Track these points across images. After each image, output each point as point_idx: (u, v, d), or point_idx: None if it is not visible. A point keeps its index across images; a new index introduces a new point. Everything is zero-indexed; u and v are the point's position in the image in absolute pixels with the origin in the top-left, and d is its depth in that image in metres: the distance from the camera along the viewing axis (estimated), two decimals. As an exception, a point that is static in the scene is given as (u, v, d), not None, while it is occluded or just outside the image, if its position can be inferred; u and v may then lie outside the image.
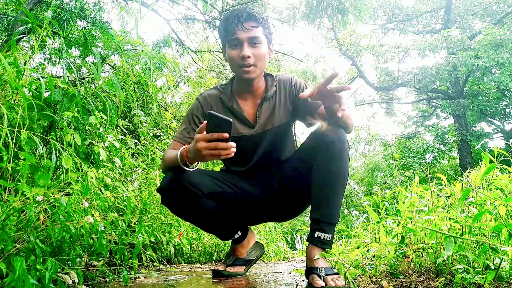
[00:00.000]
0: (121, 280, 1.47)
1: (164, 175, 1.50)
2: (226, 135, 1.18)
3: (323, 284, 1.24)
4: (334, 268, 1.32)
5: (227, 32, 1.49)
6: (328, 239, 1.37)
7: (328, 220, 1.38)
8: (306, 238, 1.47)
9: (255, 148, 1.61)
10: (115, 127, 2.47)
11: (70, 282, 1.19)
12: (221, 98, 1.61)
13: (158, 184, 1.51)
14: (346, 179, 1.42)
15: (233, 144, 1.21)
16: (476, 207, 1.35)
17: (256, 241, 1.87)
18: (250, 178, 1.65)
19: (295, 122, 1.70)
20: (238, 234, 1.74)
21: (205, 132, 1.21)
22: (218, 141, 1.19)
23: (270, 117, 1.59)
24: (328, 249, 1.37)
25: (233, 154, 1.22)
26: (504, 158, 1.45)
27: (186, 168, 1.36)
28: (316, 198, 1.41)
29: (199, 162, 1.39)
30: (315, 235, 1.38)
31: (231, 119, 1.18)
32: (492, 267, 1.07)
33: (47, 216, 1.33)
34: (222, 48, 1.60)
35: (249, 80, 1.53)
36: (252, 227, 2.01)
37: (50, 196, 1.37)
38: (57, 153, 1.64)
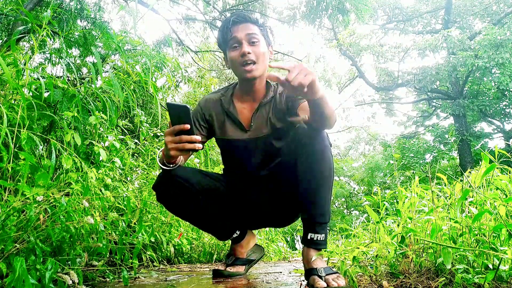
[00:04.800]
0: (121, 280, 1.47)
1: None
2: (187, 126, 1.18)
3: (324, 285, 1.24)
4: (333, 267, 1.32)
5: (226, 35, 1.51)
6: (321, 239, 1.37)
7: (318, 220, 1.37)
8: (300, 240, 1.46)
9: (249, 153, 1.60)
10: (115, 127, 2.47)
11: (70, 282, 1.18)
12: (221, 100, 1.62)
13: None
14: (331, 177, 1.40)
15: (198, 137, 1.21)
16: (476, 207, 1.34)
17: (256, 244, 1.87)
18: (247, 181, 1.65)
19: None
20: (236, 234, 1.74)
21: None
22: (182, 134, 1.19)
23: (264, 124, 1.57)
24: (323, 249, 1.36)
25: (200, 147, 1.22)
26: (504, 159, 1.45)
27: (164, 167, 1.40)
28: (303, 199, 1.39)
29: (179, 161, 1.42)
30: (308, 237, 1.37)
31: (187, 105, 1.16)
32: (491, 267, 1.07)
33: (47, 216, 1.33)
34: (224, 58, 1.61)
35: (252, 79, 1.52)
36: (252, 227, 2.01)
37: (50, 196, 1.37)
38: (57, 153, 1.64)
